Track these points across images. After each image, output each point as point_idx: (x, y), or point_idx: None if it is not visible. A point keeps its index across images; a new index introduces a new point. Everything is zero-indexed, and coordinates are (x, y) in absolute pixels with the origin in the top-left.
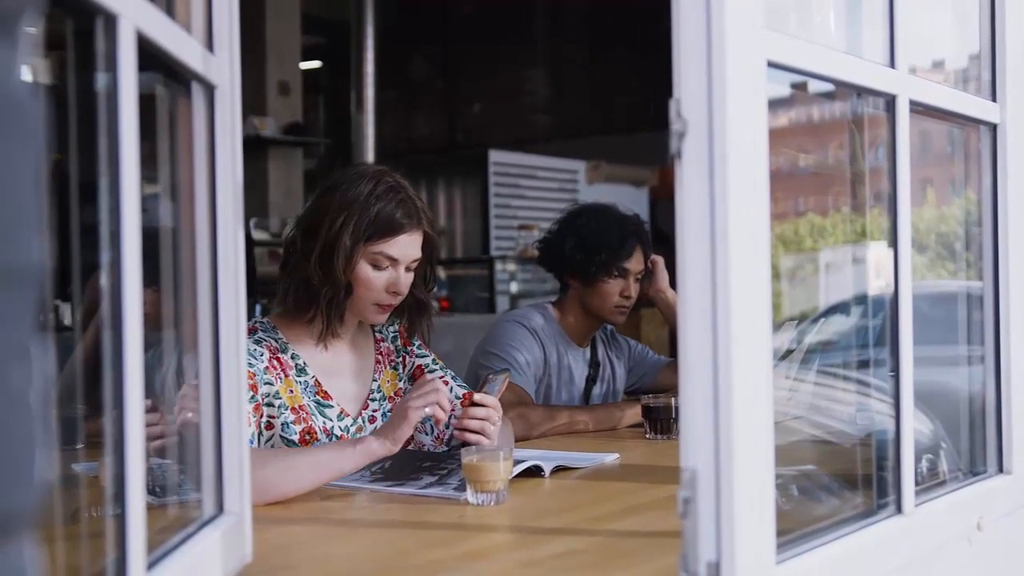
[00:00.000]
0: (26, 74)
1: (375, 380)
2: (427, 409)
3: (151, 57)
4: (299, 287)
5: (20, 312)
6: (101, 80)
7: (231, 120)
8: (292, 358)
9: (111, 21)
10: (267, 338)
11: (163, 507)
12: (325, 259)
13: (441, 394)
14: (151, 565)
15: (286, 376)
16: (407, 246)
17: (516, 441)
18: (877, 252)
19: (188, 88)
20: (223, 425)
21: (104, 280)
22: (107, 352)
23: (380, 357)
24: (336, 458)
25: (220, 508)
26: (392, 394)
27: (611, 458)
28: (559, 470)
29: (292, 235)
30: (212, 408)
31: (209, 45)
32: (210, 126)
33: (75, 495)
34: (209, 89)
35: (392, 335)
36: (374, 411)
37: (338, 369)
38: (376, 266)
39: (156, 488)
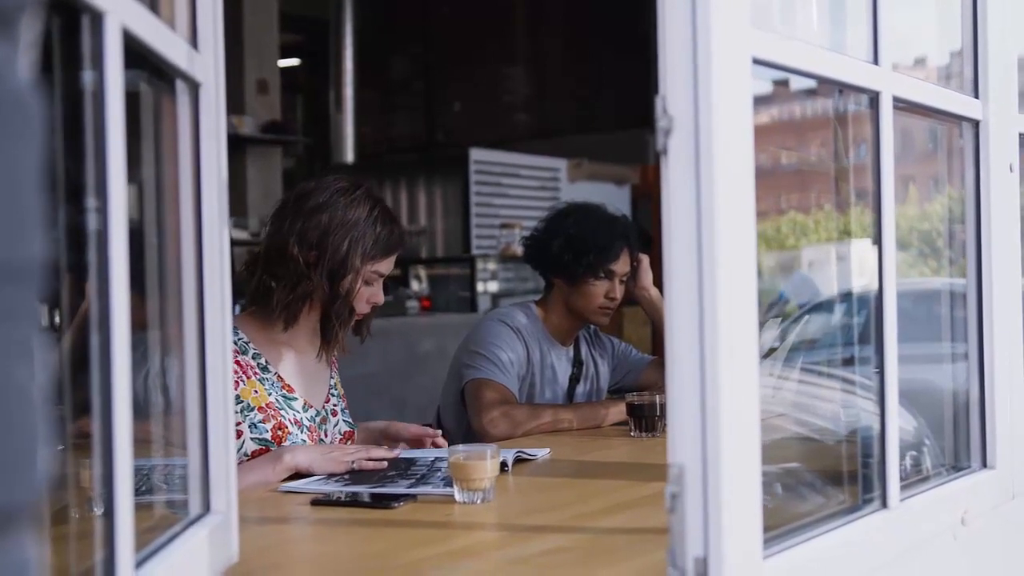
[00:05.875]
0: (26, 71)
1: (332, 377)
2: (353, 464)
3: (135, 54)
4: (300, 301)
5: (24, 308)
6: (87, 77)
7: (216, 118)
8: (253, 358)
9: (97, 18)
10: None
11: (148, 505)
12: (334, 279)
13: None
14: (138, 564)
15: (248, 377)
16: (393, 262)
17: (500, 440)
18: (860, 250)
19: (172, 86)
20: (209, 424)
21: (91, 281)
22: (94, 353)
23: (333, 358)
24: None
25: (207, 507)
26: (342, 394)
27: (543, 453)
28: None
29: (283, 243)
30: (198, 408)
31: (194, 42)
32: (195, 124)
33: (57, 495)
34: (194, 87)
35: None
36: (334, 405)
37: (300, 366)
38: (368, 283)
39: (140, 487)
